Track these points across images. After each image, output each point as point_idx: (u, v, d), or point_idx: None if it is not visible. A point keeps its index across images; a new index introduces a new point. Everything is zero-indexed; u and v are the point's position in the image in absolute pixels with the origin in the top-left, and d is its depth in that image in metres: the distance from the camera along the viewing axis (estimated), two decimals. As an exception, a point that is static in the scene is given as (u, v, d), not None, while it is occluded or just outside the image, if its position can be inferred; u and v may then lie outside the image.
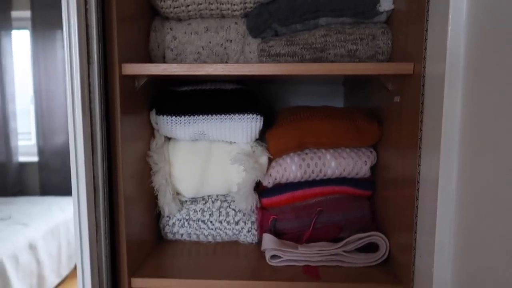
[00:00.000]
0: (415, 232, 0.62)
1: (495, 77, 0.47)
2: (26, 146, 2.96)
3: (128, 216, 0.67)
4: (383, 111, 0.79)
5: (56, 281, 2.29)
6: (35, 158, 2.87)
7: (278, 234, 0.80)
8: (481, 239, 0.49)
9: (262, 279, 0.68)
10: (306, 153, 0.82)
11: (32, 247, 2.10)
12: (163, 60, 0.78)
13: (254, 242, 0.83)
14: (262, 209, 0.83)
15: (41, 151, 2.85)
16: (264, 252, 0.75)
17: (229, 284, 0.67)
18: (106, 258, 0.63)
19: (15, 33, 2.78)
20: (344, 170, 0.80)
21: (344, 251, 0.73)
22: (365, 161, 0.80)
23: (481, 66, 0.50)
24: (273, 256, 0.74)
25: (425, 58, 0.60)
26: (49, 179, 2.84)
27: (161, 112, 0.79)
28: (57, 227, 2.34)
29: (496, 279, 0.45)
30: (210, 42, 0.77)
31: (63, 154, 2.80)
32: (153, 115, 0.79)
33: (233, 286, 0.67)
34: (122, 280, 0.67)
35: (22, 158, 2.90)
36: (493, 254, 0.46)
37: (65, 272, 2.38)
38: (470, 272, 0.51)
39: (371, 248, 0.74)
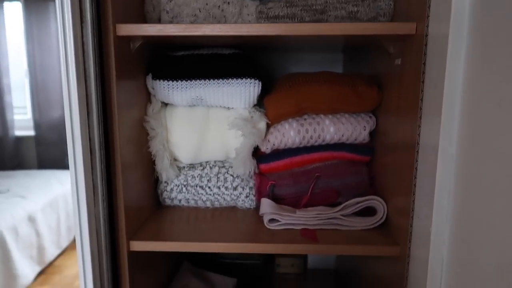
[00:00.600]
0: (414, 195, 0.62)
1: (501, 38, 0.46)
2: (22, 120, 2.93)
3: (125, 181, 0.67)
4: (383, 76, 0.78)
5: (56, 252, 2.32)
6: (31, 132, 2.86)
7: (276, 199, 0.81)
8: (479, 200, 0.48)
9: (260, 241, 0.68)
10: (305, 119, 0.81)
11: (31, 219, 2.12)
12: (159, 23, 0.76)
13: (252, 207, 0.83)
14: (260, 175, 0.82)
15: (37, 125, 2.83)
16: (262, 216, 0.76)
17: (228, 246, 0.68)
18: (104, 220, 0.63)
19: (7, 5, 2.71)
20: (343, 135, 0.80)
21: (342, 215, 0.73)
22: (364, 126, 0.79)
23: (487, 27, 0.48)
24: (271, 220, 0.74)
25: (428, 17, 0.58)
26: (46, 153, 2.83)
27: (157, 76, 0.77)
28: (55, 200, 2.36)
29: (493, 239, 0.46)
30: (207, 4, 0.75)
31: (60, 128, 2.78)
32: (149, 80, 0.78)
33: (231, 248, 0.68)
34: (121, 243, 0.67)
35: (18, 132, 2.89)
36: (491, 215, 0.46)
37: (65, 243, 2.41)
38: (468, 232, 0.51)
39: (368, 212, 0.75)
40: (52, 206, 2.32)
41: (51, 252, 2.27)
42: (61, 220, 2.38)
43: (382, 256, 0.76)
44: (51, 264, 2.34)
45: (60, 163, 2.79)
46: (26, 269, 2.22)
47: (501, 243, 0.44)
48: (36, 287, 2.51)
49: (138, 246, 0.68)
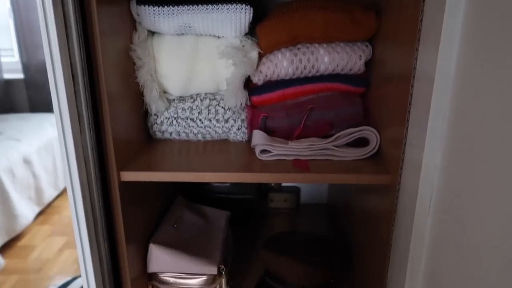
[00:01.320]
0: (407, 122, 0.61)
1: None
2: (10, 63, 2.85)
3: (113, 112, 0.65)
4: (381, 0, 0.73)
5: (54, 193, 2.36)
6: (20, 75, 2.79)
7: (269, 132, 0.79)
8: (474, 129, 0.47)
9: (252, 171, 0.68)
10: (298, 48, 0.77)
11: (27, 162, 2.13)
12: None
13: (244, 140, 0.83)
14: (252, 107, 0.81)
15: (26, 68, 2.75)
16: (254, 148, 0.75)
17: (220, 176, 0.68)
18: (92, 149, 0.61)
19: None
20: (337, 65, 0.77)
21: (334, 145, 0.72)
22: (360, 56, 0.76)
23: None
24: (263, 151, 0.73)
25: None
26: (37, 96, 2.78)
27: (142, 1, 0.73)
28: (50, 143, 2.35)
29: (486, 167, 0.45)
30: None
31: (49, 70, 2.70)
32: (133, 6, 0.73)
33: (223, 178, 0.68)
34: (111, 173, 0.66)
35: (7, 75, 2.81)
36: (485, 143, 0.45)
37: (62, 185, 2.44)
38: (459, 159, 0.50)
39: (361, 143, 0.74)
40: (47, 149, 2.32)
41: (49, 193, 2.31)
42: (57, 162, 2.39)
43: (373, 186, 0.77)
44: (50, 205, 2.38)
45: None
46: (26, 210, 2.27)
47: (494, 171, 0.43)
48: (36, 226, 2.58)
49: (129, 176, 0.68)
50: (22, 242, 2.40)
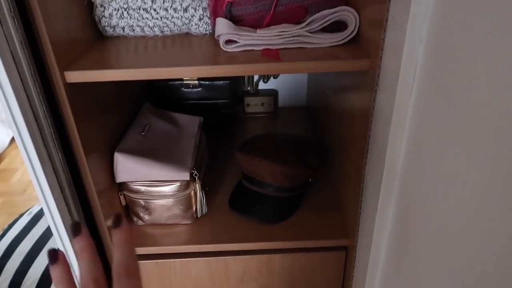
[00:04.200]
0: (389, 2, 0.53)
1: None
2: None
3: (44, 6, 0.54)
4: None
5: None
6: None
7: (235, 20, 0.70)
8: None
9: (218, 64, 0.60)
10: None
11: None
12: None
13: (208, 32, 0.73)
14: (214, -7, 0.70)
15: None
16: (218, 39, 0.66)
17: (180, 71, 0.60)
18: (22, 48, 0.52)
19: None
20: None
21: (308, 31, 0.64)
22: None
23: None
24: (229, 42, 0.65)
25: None
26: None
27: None
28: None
29: (479, 33, 0.38)
30: None
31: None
32: None
33: (184, 73, 0.60)
34: (53, 74, 0.58)
35: None
36: (474, 23, 0.37)
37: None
38: (448, 30, 0.43)
39: (338, 28, 0.66)
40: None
41: None
42: None
43: (351, 76, 0.71)
44: (21, 126, 2.29)
45: None
46: (0, 133, 2.18)
47: (488, 42, 0.36)
48: (14, 149, 2.52)
49: (76, 77, 0.59)
50: (2, 165, 2.35)
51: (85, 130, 0.66)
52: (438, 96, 0.43)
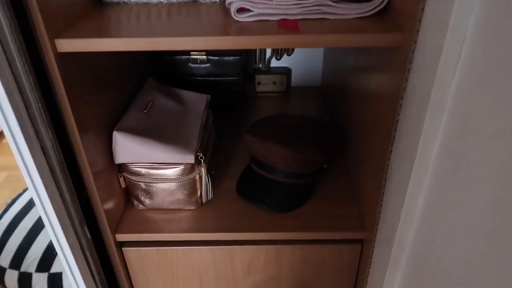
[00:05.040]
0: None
1: None
2: None
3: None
4: None
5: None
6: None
7: (248, -13, 0.62)
8: None
9: (228, 34, 0.53)
10: None
11: None
12: None
13: (218, 1, 0.65)
14: (226, -46, 0.62)
15: None
16: (230, 7, 0.58)
17: (185, 42, 0.53)
18: (4, 9, 0.45)
19: None
20: None
21: (331, 0, 0.56)
22: None
23: None
24: (241, 10, 0.57)
25: None
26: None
27: None
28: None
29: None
30: None
31: None
32: None
33: (190, 44, 0.53)
34: (42, 41, 0.51)
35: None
36: None
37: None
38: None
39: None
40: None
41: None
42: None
43: (379, 54, 0.63)
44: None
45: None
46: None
47: None
48: None
49: (68, 45, 0.53)
50: (6, 139, 2.31)
51: (80, 106, 0.60)
52: (491, 78, 0.36)
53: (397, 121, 0.55)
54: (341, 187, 0.83)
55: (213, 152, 0.85)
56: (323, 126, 0.85)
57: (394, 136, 0.57)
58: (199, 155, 0.72)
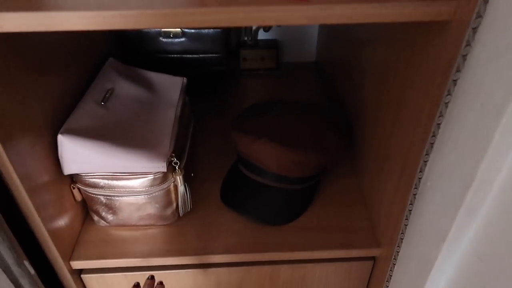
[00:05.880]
0: None
1: None
2: None
3: None
4: None
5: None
6: None
7: None
8: None
9: (206, 5, 0.37)
10: None
11: None
12: None
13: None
14: None
15: None
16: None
17: (141, 17, 0.36)
18: None
19: None
20: None
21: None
22: None
23: None
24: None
25: None
26: None
27: None
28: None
29: None
30: None
31: None
32: None
33: (148, 20, 0.36)
34: None
35: None
36: None
37: None
38: None
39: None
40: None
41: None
42: None
43: (413, 27, 0.48)
44: None
45: None
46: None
47: None
48: None
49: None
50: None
51: (5, 102, 0.43)
52: None
53: (442, 115, 0.41)
54: (346, 191, 0.70)
55: (191, 150, 0.69)
56: (325, 115, 0.70)
57: (433, 144, 0.42)
58: (172, 160, 0.57)
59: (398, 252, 0.53)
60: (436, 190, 0.42)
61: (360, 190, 0.69)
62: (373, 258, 0.63)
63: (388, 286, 0.58)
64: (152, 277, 0.52)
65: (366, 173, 0.66)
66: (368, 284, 0.67)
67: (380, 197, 0.59)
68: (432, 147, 0.42)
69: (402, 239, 0.51)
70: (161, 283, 0.53)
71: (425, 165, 0.44)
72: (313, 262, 0.62)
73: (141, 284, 0.52)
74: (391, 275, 0.56)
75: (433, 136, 0.42)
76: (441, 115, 0.40)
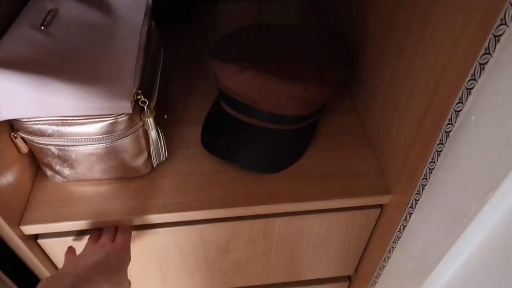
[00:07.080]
0: None
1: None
2: None
3: None
4: None
5: None
6: None
7: None
8: None
9: None
10: None
11: None
12: None
13: None
14: None
15: None
16: None
17: None
18: None
19: None
20: None
21: None
22: None
23: None
24: None
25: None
26: None
27: None
28: None
29: None
30: None
31: None
32: None
33: None
34: None
35: None
36: None
37: None
38: None
39: None
40: None
41: None
42: None
43: None
44: None
45: None
46: None
47: None
48: None
49: None
50: None
51: None
52: None
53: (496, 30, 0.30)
54: (348, 131, 0.60)
55: (163, 87, 0.57)
56: (322, 41, 0.58)
57: (484, 64, 0.32)
58: (139, 99, 0.45)
59: (418, 200, 0.44)
60: (484, 125, 0.32)
61: (364, 129, 0.60)
62: (380, 206, 0.55)
63: (400, 237, 0.50)
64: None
65: (372, 108, 0.56)
66: (372, 233, 0.60)
67: (393, 136, 0.50)
68: (483, 68, 0.32)
69: (425, 185, 0.42)
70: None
71: (469, 93, 0.34)
72: (313, 213, 0.54)
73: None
74: (405, 225, 0.48)
75: (487, 53, 0.31)
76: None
